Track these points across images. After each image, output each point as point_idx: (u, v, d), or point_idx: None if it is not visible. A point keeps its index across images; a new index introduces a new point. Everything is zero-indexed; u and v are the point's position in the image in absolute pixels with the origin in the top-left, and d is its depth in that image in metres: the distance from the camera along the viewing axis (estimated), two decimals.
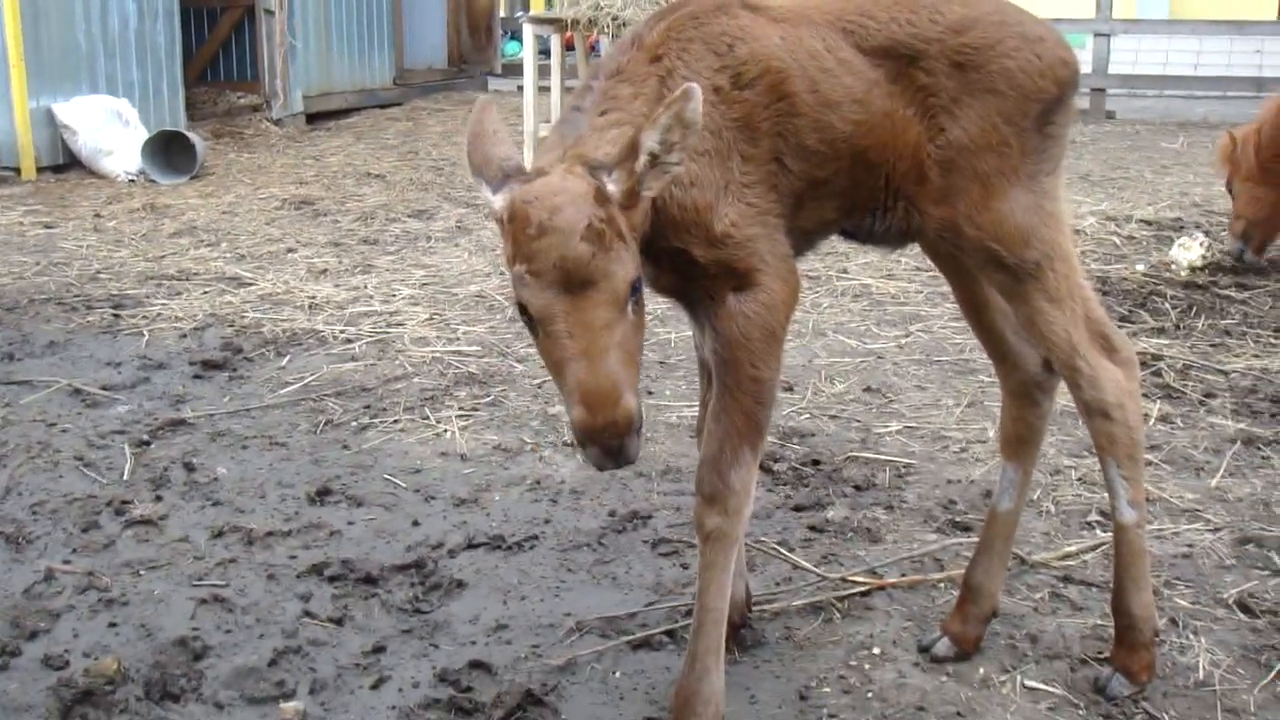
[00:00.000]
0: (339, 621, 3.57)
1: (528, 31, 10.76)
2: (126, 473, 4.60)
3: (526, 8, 19.66)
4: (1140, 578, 3.15)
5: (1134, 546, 3.13)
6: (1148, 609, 3.15)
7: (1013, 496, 3.38)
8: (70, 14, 12.02)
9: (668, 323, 6.38)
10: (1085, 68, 17.78)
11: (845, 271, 7.53)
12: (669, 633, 3.49)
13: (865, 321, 6.54)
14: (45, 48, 11.75)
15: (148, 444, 4.89)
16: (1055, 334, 3.01)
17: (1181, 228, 8.69)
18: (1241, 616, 3.56)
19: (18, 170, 11.55)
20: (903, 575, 3.81)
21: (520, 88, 13.02)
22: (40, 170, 11.67)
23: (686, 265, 2.85)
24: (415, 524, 4.21)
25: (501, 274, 7.61)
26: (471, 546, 4.05)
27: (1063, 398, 3.22)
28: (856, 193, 2.99)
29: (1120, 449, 3.08)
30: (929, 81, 2.90)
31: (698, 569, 2.98)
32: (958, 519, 4.19)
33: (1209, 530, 4.09)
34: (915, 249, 3.57)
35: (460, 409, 5.25)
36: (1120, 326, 6.21)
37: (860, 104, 2.89)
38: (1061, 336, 3.01)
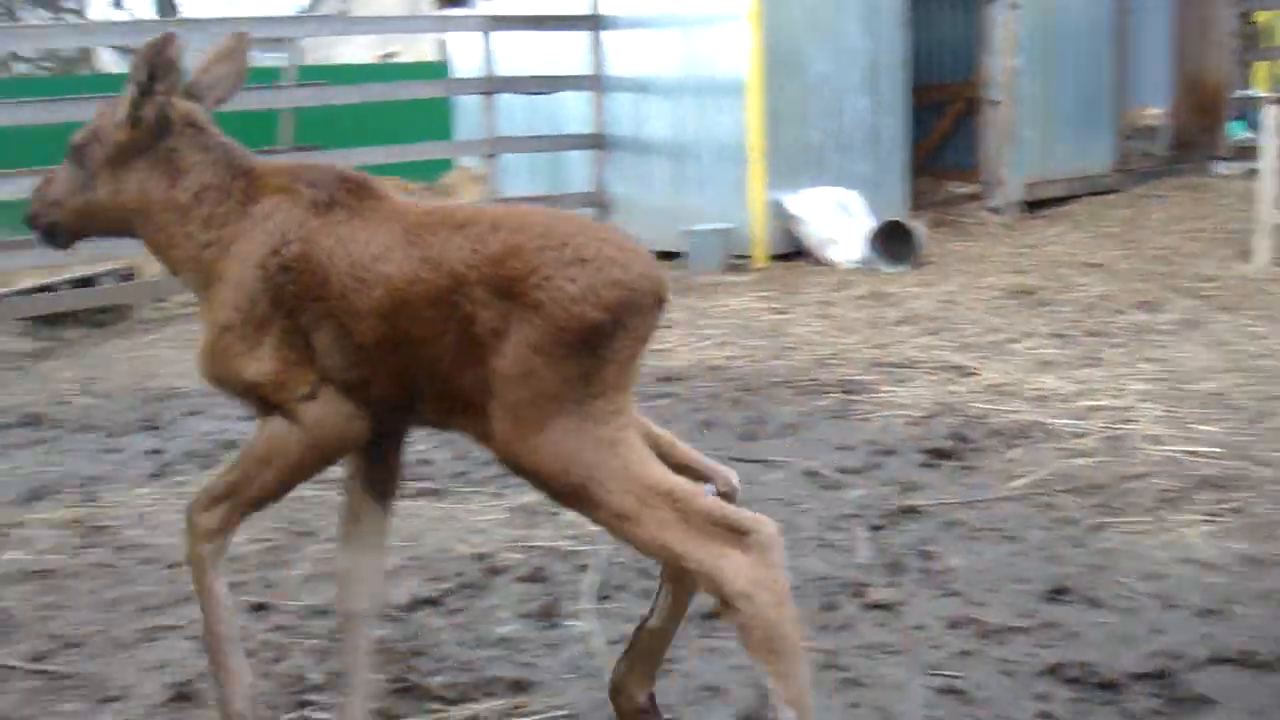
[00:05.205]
0: None
1: (1271, 113, 10.16)
2: (862, 556, 4.73)
3: (1246, 85, 18.52)
4: None
5: None
6: None
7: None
8: (805, 113, 12.84)
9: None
10: None
11: None
12: None
13: None
14: (782, 145, 12.61)
15: (880, 529, 5.01)
16: (645, 545, 2.78)
17: None
18: None
19: (749, 258, 12.39)
20: None
21: (1251, 171, 12.34)
22: (769, 258, 12.46)
23: None
24: (1155, 631, 4.02)
25: (1244, 371, 7.19)
26: (1216, 661, 3.80)
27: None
28: (401, 404, 3.03)
29: (757, 643, 2.70)
30: (470, 310, 2.82)
31: None
32: None
33: None
34: None
35: (1201, 514, 4.98)
36: None
37: (385, 319, 2.90)
38: (653, 547, 2.77)
